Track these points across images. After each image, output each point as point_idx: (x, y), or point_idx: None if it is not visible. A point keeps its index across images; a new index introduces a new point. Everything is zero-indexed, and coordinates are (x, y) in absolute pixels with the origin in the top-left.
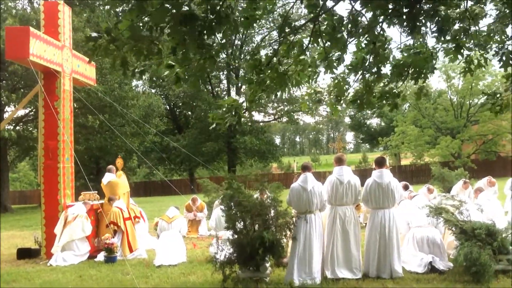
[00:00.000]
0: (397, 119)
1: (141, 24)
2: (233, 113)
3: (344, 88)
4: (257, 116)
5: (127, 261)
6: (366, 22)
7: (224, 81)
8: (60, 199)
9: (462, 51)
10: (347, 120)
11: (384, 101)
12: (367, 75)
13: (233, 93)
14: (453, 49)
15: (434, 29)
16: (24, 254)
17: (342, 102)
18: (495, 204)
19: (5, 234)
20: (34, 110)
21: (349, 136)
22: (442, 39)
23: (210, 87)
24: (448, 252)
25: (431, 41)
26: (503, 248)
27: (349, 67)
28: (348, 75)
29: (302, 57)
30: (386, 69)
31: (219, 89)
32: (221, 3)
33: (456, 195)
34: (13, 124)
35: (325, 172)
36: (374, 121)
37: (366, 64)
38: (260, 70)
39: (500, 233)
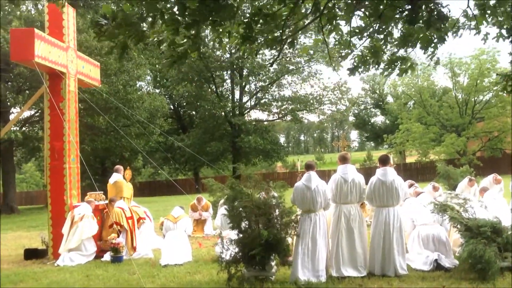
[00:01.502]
0: (401, 117)
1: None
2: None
3: (349, 46)
4: (261, 115)
5: (133, 261)
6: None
7: (228, 81)
8: (67, 199)
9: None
10: (351, 118)
11: (391, 68)
12: (375, 36)
13: (237, 92)
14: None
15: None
16: (31, 254)
17: (344, 59)
18: (500, 202)
19: (12, 235)
20: (39, 111)
21: (354, 134)
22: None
23: (214, 87)
24: (454, 249)
25: None
26: (509, 245)
27: (356, 30)
28: (353, 36)
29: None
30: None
31: (223, 88)
32: None
33: (461, 192)
34: (19, 126)
35: (329, 171)
36: (379, 119)
37: (372, 29)
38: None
39: (505, 230)
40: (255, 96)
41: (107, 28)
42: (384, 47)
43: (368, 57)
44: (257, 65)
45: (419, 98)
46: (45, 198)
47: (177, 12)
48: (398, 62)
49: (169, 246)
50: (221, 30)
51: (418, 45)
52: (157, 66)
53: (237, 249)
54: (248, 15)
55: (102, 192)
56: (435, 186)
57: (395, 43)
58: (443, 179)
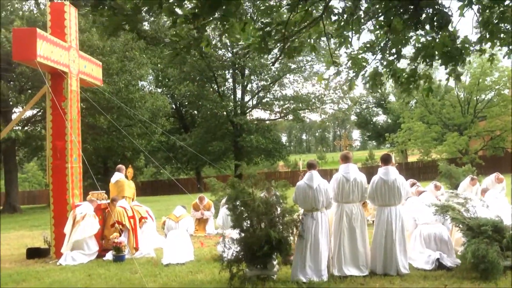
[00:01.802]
0: (403, 116)
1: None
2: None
3: (362, 64)
4: (263, 114)
5: (135, 260)
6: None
7: (230, 80)
8: (69, 198)
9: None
10: (353, 117)
11: (411, 85)
12: (387, 56)
13: (239, 92)
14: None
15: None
16: (34, 253)
17: (359, 77)
18: (502, 201)
19: (15, 234)
20: (42, 110)
21: (356, 133)
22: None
23: (215, 86)
24: (456, 248)
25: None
26: (510, 245)
27: (367, 45)
28: (365, 52)
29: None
30: (407, 51)
31: (225, 88)
32: None
33: (463, 192)
34: (21, 125)
35: (331, 170)
36: (381, 118)
37: (385, 45)
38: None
39: (507, 229)
40: (257, 95)
41: (104, 10)
42: (396, 62)
43: (383, 72)
44: (259, 64)
45: (421, 97)
46: (47, 197)
47: (175, 4)
48: (417, 78)
49: (171, 246)
50: (226, 26)
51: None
52: (159, 65)
53: (239, 248)
54: (253, 16)
55: (104, 191)
56: (437, 185)
57: (408, 57)
58: (445, 178)
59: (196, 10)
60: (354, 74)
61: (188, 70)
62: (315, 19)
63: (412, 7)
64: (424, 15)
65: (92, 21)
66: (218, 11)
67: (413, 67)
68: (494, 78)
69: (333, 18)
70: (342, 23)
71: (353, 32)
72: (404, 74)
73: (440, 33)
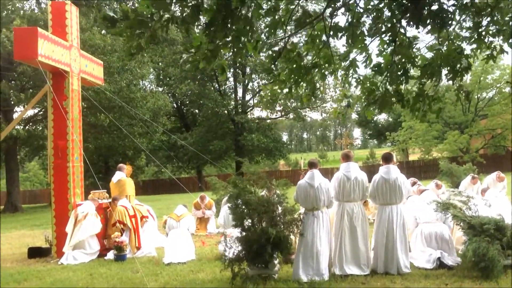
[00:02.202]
0: (404, 114)
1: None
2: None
3: (373, 88)
4: (264, 113)
5: (136, 259)
6: (384, 19)
7: (231, 79)
8: (70, 198)
9: (484, 39)
10: (354, 116)
11: (419, 104)
12: (393, 76)
13: (240, 90)
14: (476, 37)
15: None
16: (35, 253)
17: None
18: (503, 200)
19: (16, 234)
20: (43, 110)
21: (357, 132)
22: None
23: (216, 85)
24: (457, 247)
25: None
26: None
27: (375, 68)
28: (375, 76)
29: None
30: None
31: (226, 86)
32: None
33: (464, 190)
34: (23, 124)
35: (332, 169)
36: (382, 117)
37: (390, 66)
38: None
39: (508, 228)
40: (258, 94)
41: (118, 25)
42: (404, 82)
43: (390, 98)
44: (259, 63)
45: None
46: (49, 196)
47: (188, 12)
48: (424, 98)
49: (172, 245)
50: (239, 45)
51: (443, 76)
52: (160, 64)
53: (240, 247)
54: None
55: (106, 190)
56: (438, 184)
57: (415, 76)
58: (446, 177)
59: (209, 21)
60: (366, 102)
61: (189, 69)
62: (315, 18)
63: (413, 6)
64: (426, 13)
65: (93, 20)
66: (230, 30)
67: (420, 85)
68: (495, 76)
69: (339, 34)
70: (348, 40)
71: (359, 51)
72: (411, 94)
73: (441, 33)
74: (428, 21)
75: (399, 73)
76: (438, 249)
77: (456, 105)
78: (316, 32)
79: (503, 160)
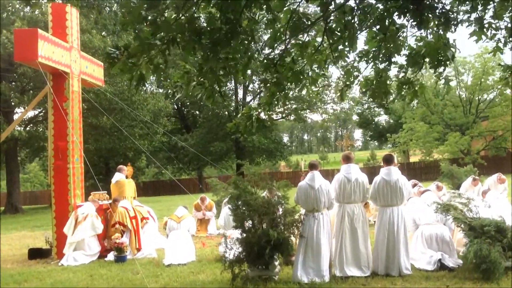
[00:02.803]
0: (405, 116)
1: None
2: (253, 119)
3: (354, 74)
4: (263, 114)
5: (137, 261)
6: (376, 15)
7: (231, 80)
8: (70, 199)
9: (486, 31)
10: (355, 117)
11: (402, 91)
12: (378, 64)
13: (240, 92)
14: (477, 29)
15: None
16: (35, 254)
17: (351, 87)
18: (503, 202)
19: (16, 235)
20: (44, 111)
21: (357, 133)
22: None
23: (217, 87)
24: (458, 249)
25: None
26: None
27: (360, 55)
28: (359, 62)
29: (316, 56)
30: (401, 59)
31: (226, 88)
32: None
33: (465, 192)
34: (24, 125)
35: (333, 170)
36: (382, 118)
37: (377, 53)
38: (276, 71)
39: (509, 230)
40: (258, 96)
41: (120, 58)
42: (389, 70)
43: (374, 88)
44: (260, 64)
45: (422, 97)
46: (49, 197)
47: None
48: (406, 86)
49: (173, 246)
50: (236, 67)
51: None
52: (160, 66)
53: (240, 249)
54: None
55: (106, 192)
56: (439, 186)
57: (401, 65)
58: (447, 179)
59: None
60: (345, 85)
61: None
62: (315, 21)
63: (414, 6)
64: (430, 15)
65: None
66: (231, 43)
67: (403, 73)
68: (496, 77)
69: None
70: (344, 43)
71: (349, 47)
72: (395, 81)
73: (443, 33)
74: (430, 23)
75: (383, 58)
76: (438, 250)
77: (457, 106)
78: (308, 39)
79: (504, 162)
